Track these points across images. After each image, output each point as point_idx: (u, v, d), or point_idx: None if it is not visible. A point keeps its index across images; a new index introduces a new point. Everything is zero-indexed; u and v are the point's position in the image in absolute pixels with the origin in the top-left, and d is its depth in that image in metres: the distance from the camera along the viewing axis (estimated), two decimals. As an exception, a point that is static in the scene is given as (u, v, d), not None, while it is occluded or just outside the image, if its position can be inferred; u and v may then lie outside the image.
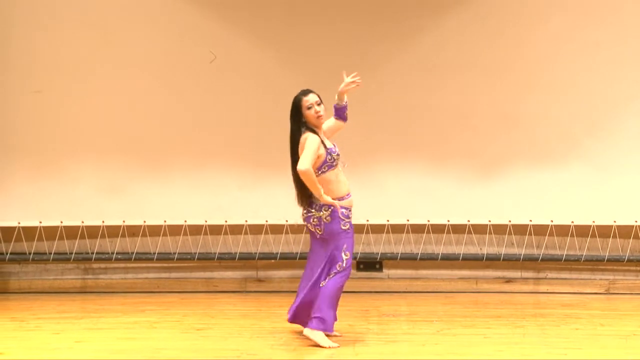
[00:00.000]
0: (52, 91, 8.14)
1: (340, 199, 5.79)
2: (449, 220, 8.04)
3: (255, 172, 8.11)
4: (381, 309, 7.20)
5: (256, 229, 8.15)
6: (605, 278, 8.10)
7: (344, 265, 5.81)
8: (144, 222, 8.12)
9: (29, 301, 7.77)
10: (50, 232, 8.14)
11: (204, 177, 8.15)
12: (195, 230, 8.17)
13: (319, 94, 5.88)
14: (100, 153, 8.15)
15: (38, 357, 5.56)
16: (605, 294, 8.03)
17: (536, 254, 8.07)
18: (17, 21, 8.14)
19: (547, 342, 5.89)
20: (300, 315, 5.92)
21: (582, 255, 8.01)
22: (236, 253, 8.17)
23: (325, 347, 5.68)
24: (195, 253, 8.18)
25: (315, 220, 5.79)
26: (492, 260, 8.10)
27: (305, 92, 5.84)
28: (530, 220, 7.99)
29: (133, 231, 8.18)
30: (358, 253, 8.08)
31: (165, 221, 8.13)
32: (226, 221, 8.12)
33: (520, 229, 8.05)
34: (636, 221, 7.91)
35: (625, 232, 7.98)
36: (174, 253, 8.19)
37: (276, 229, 8.12)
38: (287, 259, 8.13)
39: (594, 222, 7.94)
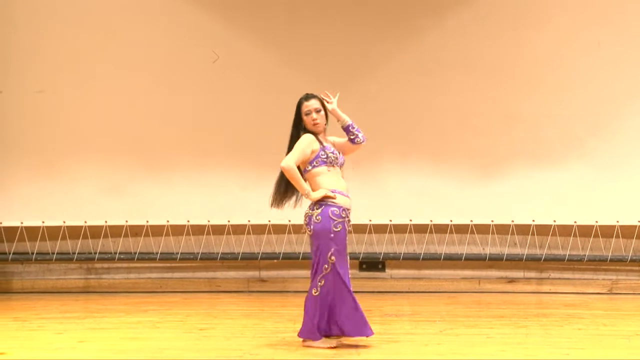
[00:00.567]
0: (55, 91, 8.16)
1: (332, 190, 5.59)
2: (451, 220, 8.04)
3: (257, 172, 8.10)
4: (384, 309, 7.20)
5: (259, 229, 8.16)
6: (608, 278, 8.09)
7: (329, 269, 5.54)
8: (147, 222, 8.13)
9: (31, 301, 7.78)
10: (53, 232, 8.15)
11: (207, 177, 8.16)
12: (198, 230, 8.18)
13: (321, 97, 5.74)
14: (102, 153, 8.17)
15: (41, 357, 5.56)
16: (607, 294, 8.03)
17: (539, 254, 8.07)
18: (18, 21, 8.16)
19: (549, 342, 5.88)
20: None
21: (585, 255, 8.00)
22: (239, 253, 8.17)
23: (325, 348, 5.65)
24: (198, 253, 8.19)
25: (306, 218, 5.65)
26: (494, 260, 8.10)
27: (307, 97, 5.73)
28: (533, 220, 7.98)
29: (136, 231, 8.19)
30: (361, 253, 8.09)
31: (168, 221, 8.13)
32: (229, 221, 8.13)
33: (522, 229, 8.04)
34: (639, 221, 7.91)
35: (628, 232, 7.97)
36: (177, 253, 8.20)
37: (279, 229, 8.13)
38: (289, 259, 8.14)
39: (596, 222, 7.93)
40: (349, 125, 5.77)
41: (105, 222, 8.13)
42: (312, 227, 5.59)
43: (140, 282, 8.30)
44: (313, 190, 5.64)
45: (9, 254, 8.21)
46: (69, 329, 6.42)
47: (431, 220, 8.06)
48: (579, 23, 7.96)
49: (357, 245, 8.11)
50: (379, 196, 8.05)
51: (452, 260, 8.11)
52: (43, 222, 8.12)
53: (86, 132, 8.19)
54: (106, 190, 8.18)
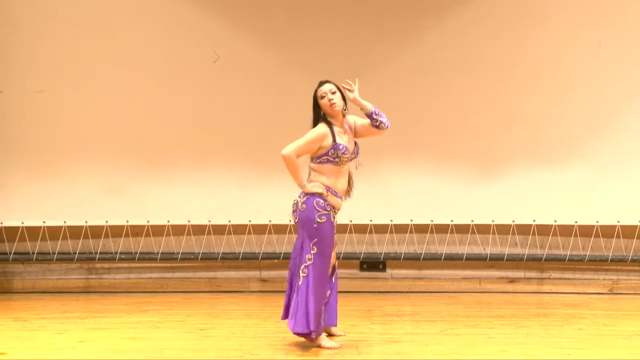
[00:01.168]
0: (55, 91, 8.16)
1: (327, 188, 5.62)
2: (452, 220, 8.04)
3: (258, 172, 8.11)
4: (384, 309, 7.20)
5: (259, 229, 8.16)
6: (609, 278, 8.09)
7: (312, 260, 5.56)
8: (148, 222, 8.13)
9: (32, 301, 7.78)
10: (54, 232, 8.15)
11: (207, 177, 8.16)
12: (199, 230, 8.18)
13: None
14: (103, 153, 8.17)
15: (41, 357, 5.57)
16: (608, 294, 8.03)
17: (539, 254, 8.06)
18: (18, 21, 8.16)
19: (550, 342, 5.89)
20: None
21: (586, 255, 8.00)
22: (239, 253, 8.17)
23: (326, 348, 5.65)
24: (199, 253, 8.19)
25: (294, 205, 5.65)
26: (495, 260, 8.10)
27: (321, 83, 5.76)
28: (534, 220, 7.98)
29: (136, 231, 8.19)
30: (361, 253, 8.09)
31: (168, 221, 8.14)
32: (229, 221, 8.13)
33: (523, 229, 8.04)
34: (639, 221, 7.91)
35: (628, 232, 7.97)
36: (178, 253, 8.20)
37: (279, 229, 8.13)
38: (290, 259, 8.12)
39: (597, 222, 7.93)
40: (372, 112, 5.73)
41: (106, 222, 8.14)
42: (297, 214, 5.63)
43: (140, 282, 8.30)
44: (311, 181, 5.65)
45: (10, 254, 8.21)
46: (69, 329, 6.42)
47: (432, 220, 8.06)
48: (579, 23, 7.96)
49: (358, 245, 8.11)
50: (379, 196, 8.05)
51: (453, 260, 8.11)
52: (44, 222, 8.13)
53: (86, 132, 8.19)
54: (107, 190, 8.18)
